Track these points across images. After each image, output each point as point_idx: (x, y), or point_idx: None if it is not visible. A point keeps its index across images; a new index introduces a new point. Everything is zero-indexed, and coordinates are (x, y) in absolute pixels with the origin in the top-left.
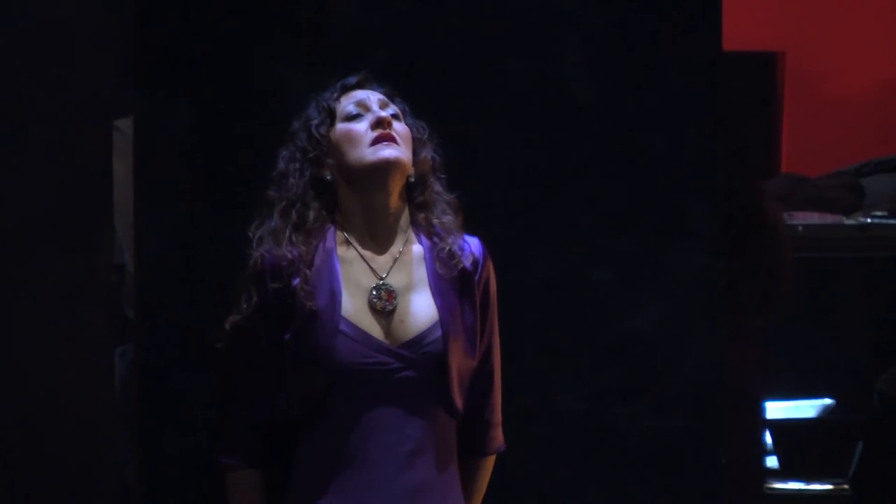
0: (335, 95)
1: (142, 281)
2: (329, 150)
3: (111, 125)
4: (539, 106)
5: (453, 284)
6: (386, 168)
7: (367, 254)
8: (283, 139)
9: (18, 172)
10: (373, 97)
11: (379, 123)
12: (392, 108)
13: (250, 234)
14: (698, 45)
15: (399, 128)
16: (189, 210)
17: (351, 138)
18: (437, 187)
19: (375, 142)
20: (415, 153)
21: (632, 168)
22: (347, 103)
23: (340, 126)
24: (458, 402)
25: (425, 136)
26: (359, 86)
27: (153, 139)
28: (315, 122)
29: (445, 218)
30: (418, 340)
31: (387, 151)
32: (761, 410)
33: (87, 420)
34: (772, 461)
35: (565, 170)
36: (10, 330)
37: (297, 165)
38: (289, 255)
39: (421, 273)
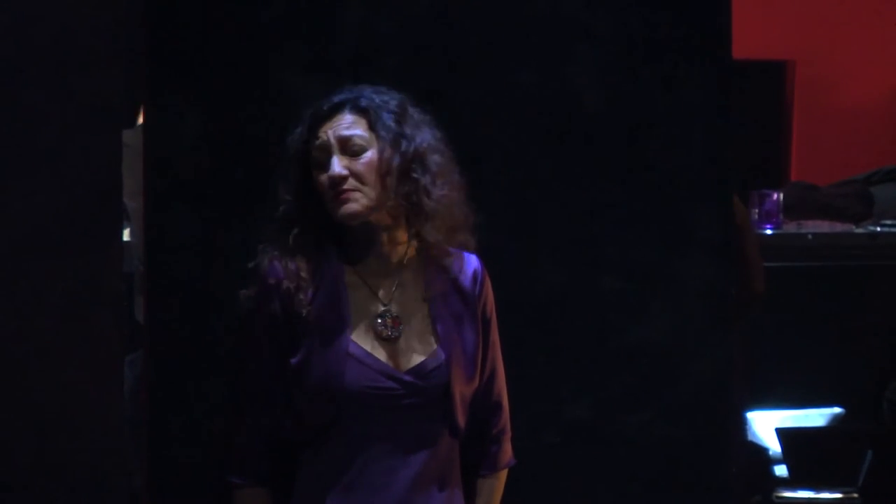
0: (309, 131)
1: (152, 289)
2: (307, 189)
3: (121, 133)
4: (548, 114)
5: (453, 306)
6: (353, 220)
7: (370, 279)
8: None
9: (28, 180)
10: (332, 136)
11: (331, 184)
12: (353, 145)
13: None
14: (708, 54)
15: (360, 168)
16: (199, 217)
17: (320, 190)
18: (435, 193)
19: (334, 199)
20: (394, 171)
21: (641, 176)
22: (314, 145)
23: (314, 172)
24: (462, 423)
25: (414, 149)
26: (328, 115)
27: (163, 146)
28: (295, 167)
29: (441, 229)
30: (422, 367)
31: (345, 208)
32: (743, 421)
33: (96, 429)
34: (781, 470)
35: (574, 178)
36: (19, 338)
37: (287, 192)
38: (292, 266)
39: (421, 297)
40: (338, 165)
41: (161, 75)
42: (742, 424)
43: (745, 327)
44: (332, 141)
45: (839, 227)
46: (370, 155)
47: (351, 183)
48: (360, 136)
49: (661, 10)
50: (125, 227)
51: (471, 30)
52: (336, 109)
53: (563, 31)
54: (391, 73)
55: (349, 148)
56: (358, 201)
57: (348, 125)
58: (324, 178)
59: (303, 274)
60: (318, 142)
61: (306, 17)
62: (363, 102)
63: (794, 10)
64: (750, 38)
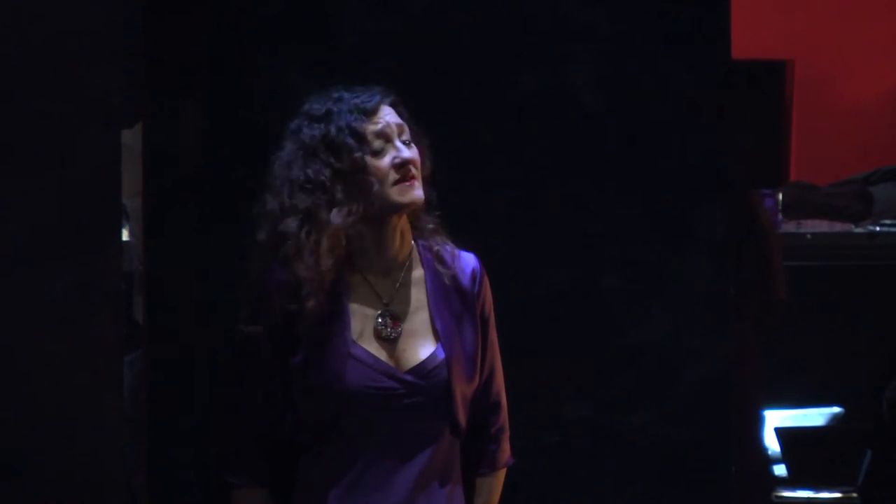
0: (361, 122)
1: (152, 289)
2: (355, 179)
3: (120, 132)
4: (548, 115)
5: (453, 305)
6: (414, 206)
7: (371, 278)
8: (291, 139)
9: (28, 179)
10: (392, 123)
11: (404, 165)
12: (406, 134)
13: (260, 239)
14: (707, 54)
15: (416, 158)
16: (199, 217)
17: (378, 175)
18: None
19: (399, 182)
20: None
21: (640, 177)
22: (372, 132)
23: (368, 159)
24: (463, 421)
25: (426, 145)
26: (377, 108)
27: (163, 146)
28: (357, 153)
29: (432, 222)
30: (422, 367)
31: (413, 194)
32: (762, 420)
33: (96, 428)
34: (780, 469)
35: (574, 178)
36: (18, 338)
37: (328, 184)
38: (302, 275)
39: (422, 296)
40: (407, 150)
41: (161, 75)
42: (759, 424)
43: (765, 332)
44: (393, 126)
45: (838, 226)
46: (415, 144)
47: (415, 168)
48: (407, 132)
49: (660, 10)
50: (125, 227)
51: (470, 30)
52: (377, 102)
53: (563, 31)
54: (391, 73)
55: (404, 136)
56: (420, 188)
57: (396, 117)
58: (384, 160)
59: (311, 275)
60: (378, 128)
61: (306, 17)
62: (391, 96)
63: (793, 10)
64: (749, 38)
